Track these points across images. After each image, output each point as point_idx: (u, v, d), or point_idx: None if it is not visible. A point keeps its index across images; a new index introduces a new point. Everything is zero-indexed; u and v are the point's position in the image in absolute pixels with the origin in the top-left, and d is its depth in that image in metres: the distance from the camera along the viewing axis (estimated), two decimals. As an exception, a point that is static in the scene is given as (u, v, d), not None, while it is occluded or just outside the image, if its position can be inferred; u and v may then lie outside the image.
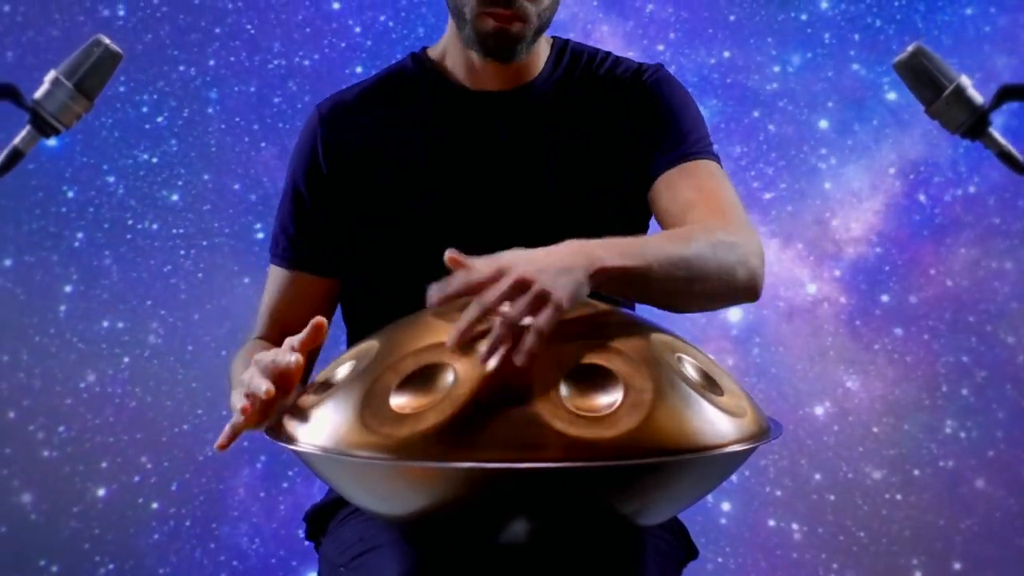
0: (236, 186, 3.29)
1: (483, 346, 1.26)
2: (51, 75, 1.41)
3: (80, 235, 3.24)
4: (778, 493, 3.29)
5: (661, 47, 3.31)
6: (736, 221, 1.66)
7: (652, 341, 1.34)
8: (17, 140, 1.39)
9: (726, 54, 3.30)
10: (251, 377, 1.41)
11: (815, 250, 3.33)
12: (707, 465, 1.29)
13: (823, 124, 3.30)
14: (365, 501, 1.39)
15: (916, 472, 3.24)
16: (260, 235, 3.25)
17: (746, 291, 1.60)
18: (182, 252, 3.28)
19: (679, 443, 1.25)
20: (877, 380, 3.28)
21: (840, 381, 3.29)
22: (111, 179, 3.25)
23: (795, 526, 3.27)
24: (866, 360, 3.30)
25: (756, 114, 3.32)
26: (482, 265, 1.32)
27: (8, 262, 3.22)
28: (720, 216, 1.66)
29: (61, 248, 3.23)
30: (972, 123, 1.37)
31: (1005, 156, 1.38)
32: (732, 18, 3.31)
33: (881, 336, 3.29)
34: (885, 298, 3.29)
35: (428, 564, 1.45)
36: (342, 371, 1.37)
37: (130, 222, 3.25)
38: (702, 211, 1.67)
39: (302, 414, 1.35)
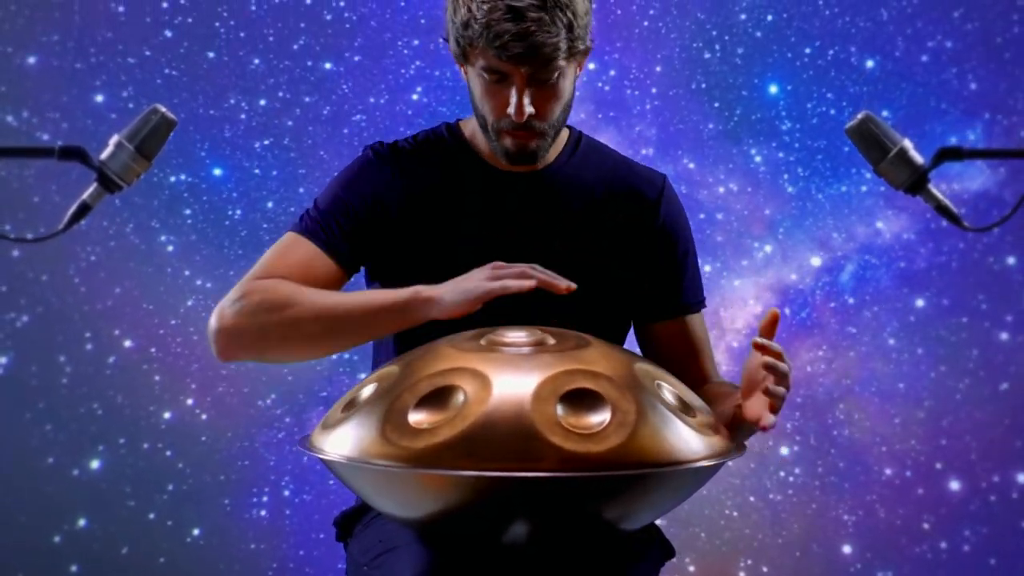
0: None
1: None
2: (115, 139, 1.51)
3: (117, 332, 3.38)
4: (794, 499, 3.42)
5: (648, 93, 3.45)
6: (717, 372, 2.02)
7: (635, 369, 1.50)
8: (85, 196, 1.49)
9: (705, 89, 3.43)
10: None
11: (814, 262, 3.45)
12: (682, 477, 1.46)
13: (818, 144, 3.43)
14: (385, 505, 1.53)
15: (926, 469, 3.36)
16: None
17: None
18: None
19: (658, 458, 1.41)
20: (883, 384, 3.39)
21: (848, 387, 3.41)
22: (149, 270, 3.39)
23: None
24: (871, 365, 3.41)
25: (744, 148, 3.45)
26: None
27: (63, 357, 3.37)
28: (712, 367, 2.01)
29: (102, 340, 3.37)
30: (913, 181, 1.50)
31: (943, 210, 1.50)
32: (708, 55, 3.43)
33: (884, 341, 3.40)
34: (881, 307, 3.41)
35: (439, 563, 1.59)
36: (366, 392, 1.52)
37: (157, 309, 3.40)
38: (703, 361, 2.00)
39: (331, 429, 1.50)
